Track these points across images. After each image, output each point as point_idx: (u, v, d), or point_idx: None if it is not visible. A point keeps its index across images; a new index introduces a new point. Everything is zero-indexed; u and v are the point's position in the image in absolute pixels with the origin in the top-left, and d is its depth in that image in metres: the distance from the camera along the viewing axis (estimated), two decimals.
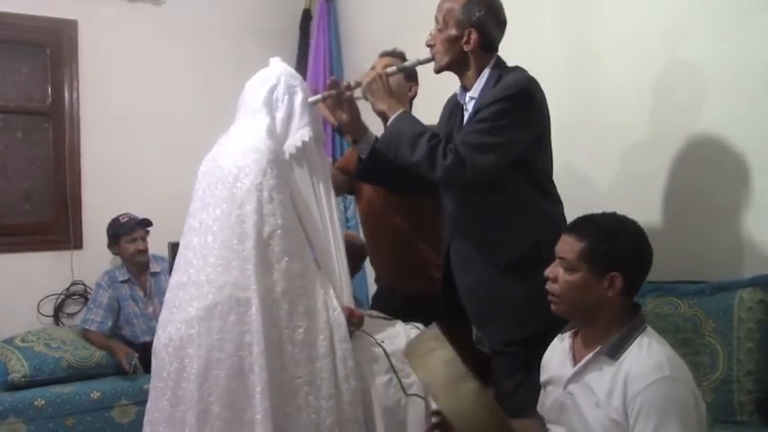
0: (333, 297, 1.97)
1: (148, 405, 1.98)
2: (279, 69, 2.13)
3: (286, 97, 2.07)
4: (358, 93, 2.14)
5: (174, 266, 2.04)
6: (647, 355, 1.52)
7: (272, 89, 2.08)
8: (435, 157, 1.87)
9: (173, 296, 1.97)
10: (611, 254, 1.57)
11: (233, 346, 1.82)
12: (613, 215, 1.65)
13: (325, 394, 1.85)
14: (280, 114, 2.06)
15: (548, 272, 1.65)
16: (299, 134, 2.05)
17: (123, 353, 3.37)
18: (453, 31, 1.98)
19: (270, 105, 2.06)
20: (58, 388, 3.19)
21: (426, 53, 2.06)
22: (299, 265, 1.92)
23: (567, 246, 1.62)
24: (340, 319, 1.94)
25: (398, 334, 2.12)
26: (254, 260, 1.85)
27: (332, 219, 2.08)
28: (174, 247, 3.13)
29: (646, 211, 2.39)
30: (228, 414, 1.80)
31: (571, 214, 2.02)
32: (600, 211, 1.68)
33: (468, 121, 1.99)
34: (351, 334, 1.97)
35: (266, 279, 1.86)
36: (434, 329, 1.67)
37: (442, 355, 1.57)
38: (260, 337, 1.80)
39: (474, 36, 1.96)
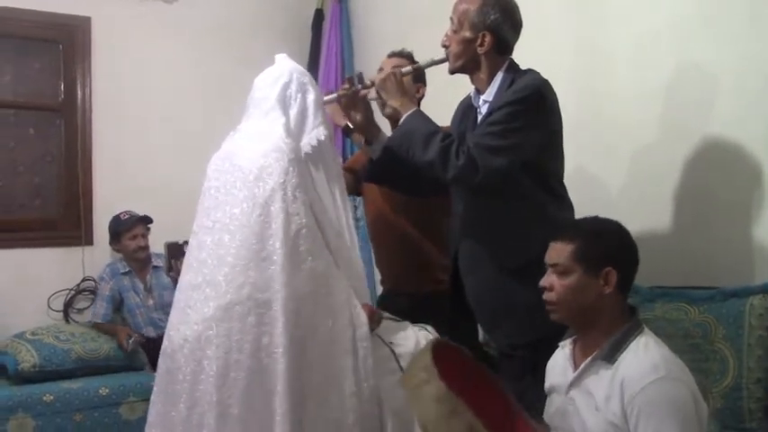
0: (353, 295, 1.96)
1: (158, 408, 1.92)
2: (288, 66, 2.09)
3: (299, 95, 2.04)
4: (372, 94, 2.13)
5: (184, 266, 2.00)
6: (643, 357, 1.53)
7: (285, 86, 2.04)
8: (448, 157, 1.86)
9: (185, 296, 1.93)
10: (602, 250, 1.60)
11: (252, 348, 1.79)
12: (595, 217, 1.70)
13: (348, 392, 1.84)
14: (293, 112, 2.02)
15: (542, 282, 1.65)
16: (315, 133, 2.02)
17: (124, 333, 3.48)
18: (468, 34, 1.97)
19: (284, 103, 2.02)
20: (66, 383, 3.21)
21: (439, 52, 2.06)
22: (322, 263, 1.90)
23: (557, 251, 1.63)
24: (362, 317, 1.93)
25: (407, 335, 2.11)
26: (282, 260, 1.82)
27: (347, 217, 2.07)
28: (170, 248, 3.15)
29: (656, 214, 2.38)
30: (248, 415, 1.78)
31: (581, 216, 2.02)
32: (608, 214, 1.69)
33: (480, 123, 1.98)
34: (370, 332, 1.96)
35: (294, 279, 1.83)
36: (426, 357, 1.57)
37: (431, 392, 1.50)
38: (283, 339, 1.78)
39: (488, 39, 1.95)
